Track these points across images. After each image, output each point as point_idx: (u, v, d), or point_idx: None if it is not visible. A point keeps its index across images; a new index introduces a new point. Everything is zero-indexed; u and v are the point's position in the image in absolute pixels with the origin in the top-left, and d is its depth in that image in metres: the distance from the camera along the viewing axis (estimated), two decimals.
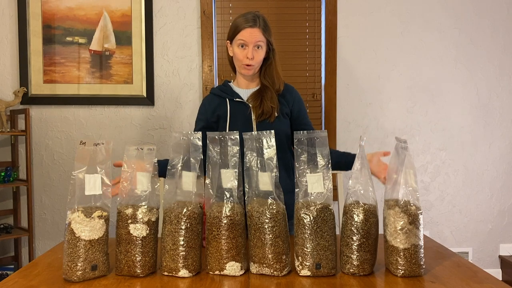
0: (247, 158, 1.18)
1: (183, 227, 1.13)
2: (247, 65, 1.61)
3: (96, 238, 1.11)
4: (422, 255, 1.14)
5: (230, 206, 1.15)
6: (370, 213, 1.13)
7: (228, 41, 1.68)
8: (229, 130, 1.62)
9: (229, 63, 1.75)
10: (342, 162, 1.57)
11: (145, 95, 2.70)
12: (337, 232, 1.61)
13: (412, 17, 2.82)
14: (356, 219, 1.13)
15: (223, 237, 1.14)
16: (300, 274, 1.14)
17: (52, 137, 2.70)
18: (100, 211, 1.13)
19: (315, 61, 2.79)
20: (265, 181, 1.15)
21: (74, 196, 1.12)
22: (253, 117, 1.64)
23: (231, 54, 1.68)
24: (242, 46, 1.60)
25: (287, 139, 1.68)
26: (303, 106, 1.75)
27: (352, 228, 1.13)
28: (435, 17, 2.83)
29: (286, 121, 1.68)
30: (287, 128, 1.67)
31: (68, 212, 1.12)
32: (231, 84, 1.75)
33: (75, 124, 2.71)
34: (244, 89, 1.71)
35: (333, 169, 1.39)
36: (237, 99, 1.67)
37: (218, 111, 1.67)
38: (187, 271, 1.14)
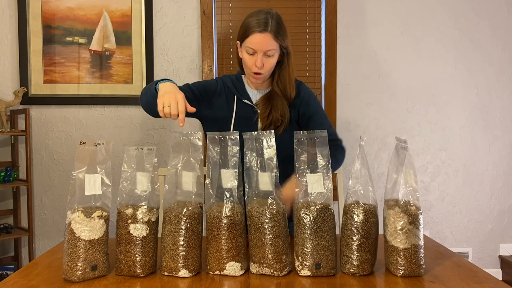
0: (247, 158, 1.18)
1: (183, 227, 1.13)
2: (256, 74, 1.51)
3: (96, 238, 1.11)
4: (422, 255, 1.14)
5: (230, 206, 1.15)
6: (370, 213, 1.13)
7: (238, 42, 1.56)
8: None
9: (238, 63, 1.63)
10: None
11: None
12: (337, 232, 1.60)
13: (412, 17, 2.82)
14: (356, 219, 1.13)
15: (223, 237, 1.14)
16: (300, 274, 1.14)
17: (52, 137, 2.70)
18: (100, 211, 1.13)
19: (315, 61, 2.79)
20: (265, 181, 1.15)
21: (74, 196, 1.12)
22: (259, 125, 1.57)
23: (240, 57, 1.55)
24: (251, 54, 1.48)
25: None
26: (316, 105, 1.62)
27: (352, 228, 1.13)
28: (435, 17, 2.83)
29: (297, 129, 1.53)
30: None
31: (68, 212, 1.12)
32: (244, 79, 1.64)
33: (75, 124, 2.71)
34: (254, 90, 1.63)
35: None
36: (245, 100, 1.59)
37: (222, 107, 1.58)
38: (187, 271, 1.14)
